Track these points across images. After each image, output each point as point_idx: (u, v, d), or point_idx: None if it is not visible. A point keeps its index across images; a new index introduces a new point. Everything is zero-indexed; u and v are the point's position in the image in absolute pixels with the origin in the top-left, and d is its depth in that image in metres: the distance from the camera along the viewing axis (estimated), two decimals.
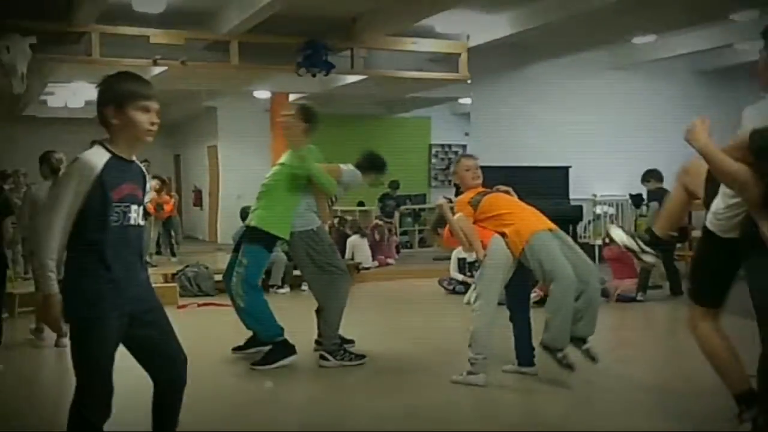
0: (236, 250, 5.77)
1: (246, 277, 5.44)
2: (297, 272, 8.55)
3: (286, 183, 5.45)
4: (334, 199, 5.92)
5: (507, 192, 5.29)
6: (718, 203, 3.49)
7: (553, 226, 4.96)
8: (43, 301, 2.77)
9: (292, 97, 13.29)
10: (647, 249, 4.17)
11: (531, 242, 4.76)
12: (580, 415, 4.43)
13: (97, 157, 2.77)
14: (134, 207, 2.87)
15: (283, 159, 5.65)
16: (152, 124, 2.86)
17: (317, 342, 5.68)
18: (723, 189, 3.44)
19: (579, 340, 4.78)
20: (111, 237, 2.78)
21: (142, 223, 2.94)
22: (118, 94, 2.84)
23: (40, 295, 2.78)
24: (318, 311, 5.70)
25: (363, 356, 5.58)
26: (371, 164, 5.98)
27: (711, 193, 3.59)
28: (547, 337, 4.74)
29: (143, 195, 2.98)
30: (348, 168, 5.83)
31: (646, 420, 4.25)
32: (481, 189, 5.20)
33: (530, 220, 4.91)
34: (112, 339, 2.84)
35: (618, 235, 4.41)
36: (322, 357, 5.52)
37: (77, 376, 2.85)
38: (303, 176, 5.39)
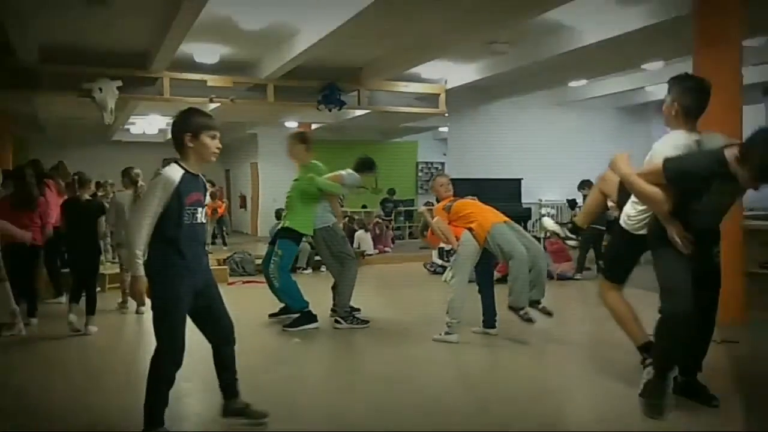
0: (272, 243, 5.77)
1: (280, 265, 5.46)
2: (318, 258, 8.56)
3: (302, 194, 5.46)
4: (342, 197, 5.89)
5: (473, 199, 5.30)
6: (629, 209, 3.51)
7: (507, 219, 5.00)
8: (132, 281, 2.81)
9: (313, 126, 13.31)
10: (570, 236, 4.25)
11: (491, 232, 4.79)
12: (530, 364, 4.44)
13: (175, 173, 2.82)
14: (200, 209, 2.91)
15: (296, 175, 5.66)
16: (217, 148, 2.93)
17: (332, 310, 5.68)
18: (633, 199, 3.45)
19: (535, 302, 4.82)
20: (184, 233, 2.83)
21: (204, 221, 2.98)
22: (194, 125, 2.89)
23: (130, 276, 2.83)
24: (333, 287, 5.70)
25: (367, 321, 5.57)
26: (364, 165, 5.92)
27: (622, 197, 3.60)
28: (511, 300, 4.78)
29: (205, 200, 3.01)
30: (347, 172, 5.79)
31: (579, 365, 4.29)
32: (452, 198, 5.23)
33: (489, 216, 4.94)
34: (184, 310, 2.88)
35: (548, 223, 4.53)
36: (336, 321, 5.52)
37: (157, 338, 2.88)
38: (313, 188, 5.39)
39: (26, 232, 4.88)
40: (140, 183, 6.34)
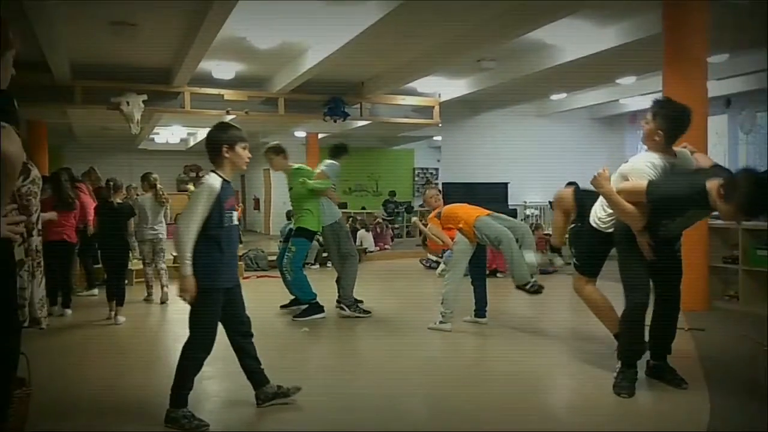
0: (286, 240, 5.76)
1: (293, 260, 5.46)
2: (325, 254, 8.54)
3: (300, 198, 5.49)
4: (334, 186, 5.78)
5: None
6: (599, 212, 3.50)
7: (490, 212, 4.98)
8: (181, 281, 2.77)
9: (320, 135, 13.30)
10: (554, 258, 4.29)
11: (476, 225, 4.79)
12: (515, 349, 4.42)
13: (216, 181, 2.84)
14: (234, 213, 2.95)
15: (287, 183, 5.68)
16: (248, 157, 2.96)
17: (338, 301, 5.67)
18: (603, 203, 3.44)
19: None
20: (223, 233, 2.84)
21: (237, 223, 3.01)
22: (230, 138, 2.90)
23: (179, 276, 2.79)
24: (338, 281, 5.68)
25: (369, 312, 5.56)
26: (338, 150, 5.83)
27: (580, 211, 3.68)
28: (516, 279, 4.77)
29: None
30: (326, 165, 5.68)
31: (559, 350, 4.25)
32: (441, 206, 5.24)
33: (472, 213, 4.92)
34: (219, 302, 2.88)
35: (531, 260, 4.68)
36: (341, 308, 5.52)
37: (192, 326, 2.86)
38: (305, 190, 5.40)
39: (53, 213, 4.82)
40: (158, 186, 6.42)
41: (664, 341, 3.47)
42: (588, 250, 3.74)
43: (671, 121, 3.17)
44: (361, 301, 5.71)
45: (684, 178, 3.09)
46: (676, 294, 3.43)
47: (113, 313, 5.40)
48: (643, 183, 3.06)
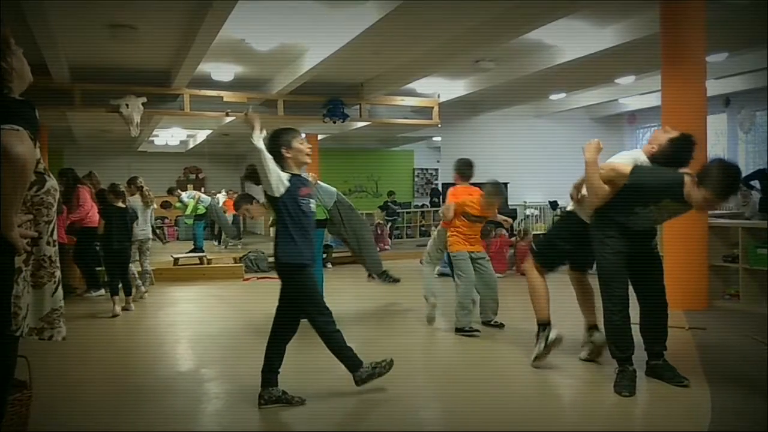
0: None
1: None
2: (324, 255, 8.48)
3: None
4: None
5: (505, 221, 5.49)
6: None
7: (475, 249, 4.86)
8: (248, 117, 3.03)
9: (320, 137, 13.29)
10: None
11: (452, 254, 4.84)
12: (514, 348, 4.40)
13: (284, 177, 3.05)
14: (311, 201, 3.14)
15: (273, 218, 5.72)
16: (309, 148, 3.17)
17: (369, 275, 5.89)
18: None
19: (487, 321, 4.94)
20: (302, 217, 3.07)
21: (314, 209, 3.16)
22: (286, 139, 3.12)
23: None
24: (356, 252, 5.67)
25: (398, 279, 5.93)
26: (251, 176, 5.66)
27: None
28: (455, 321, 4.77)
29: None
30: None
31: (559, 350, 4.20)
32: (472, 192, 5.09)
33: (459, 242, 4.84)
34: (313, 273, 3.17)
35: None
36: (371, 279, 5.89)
37: (307, 306, 3.18)
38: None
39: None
40: (144, 188, 6.57)
41: (657, 340, 3.48)
42: (554, 235, 3.77)
43: (674, 154, 3.27)
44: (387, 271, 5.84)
45: (666, 171, 3.20)
46: (660, 290, 3.47)
47: (119, 308, 5.59)
48: (628, 167, 3.17)
